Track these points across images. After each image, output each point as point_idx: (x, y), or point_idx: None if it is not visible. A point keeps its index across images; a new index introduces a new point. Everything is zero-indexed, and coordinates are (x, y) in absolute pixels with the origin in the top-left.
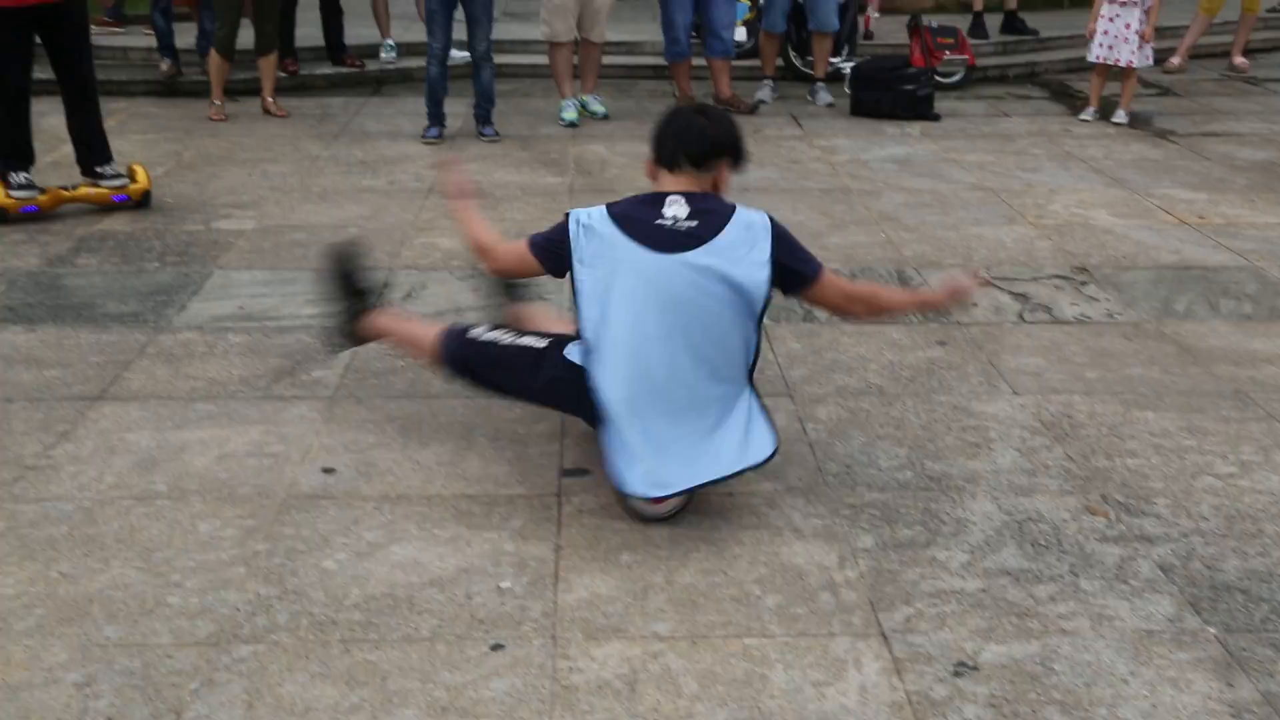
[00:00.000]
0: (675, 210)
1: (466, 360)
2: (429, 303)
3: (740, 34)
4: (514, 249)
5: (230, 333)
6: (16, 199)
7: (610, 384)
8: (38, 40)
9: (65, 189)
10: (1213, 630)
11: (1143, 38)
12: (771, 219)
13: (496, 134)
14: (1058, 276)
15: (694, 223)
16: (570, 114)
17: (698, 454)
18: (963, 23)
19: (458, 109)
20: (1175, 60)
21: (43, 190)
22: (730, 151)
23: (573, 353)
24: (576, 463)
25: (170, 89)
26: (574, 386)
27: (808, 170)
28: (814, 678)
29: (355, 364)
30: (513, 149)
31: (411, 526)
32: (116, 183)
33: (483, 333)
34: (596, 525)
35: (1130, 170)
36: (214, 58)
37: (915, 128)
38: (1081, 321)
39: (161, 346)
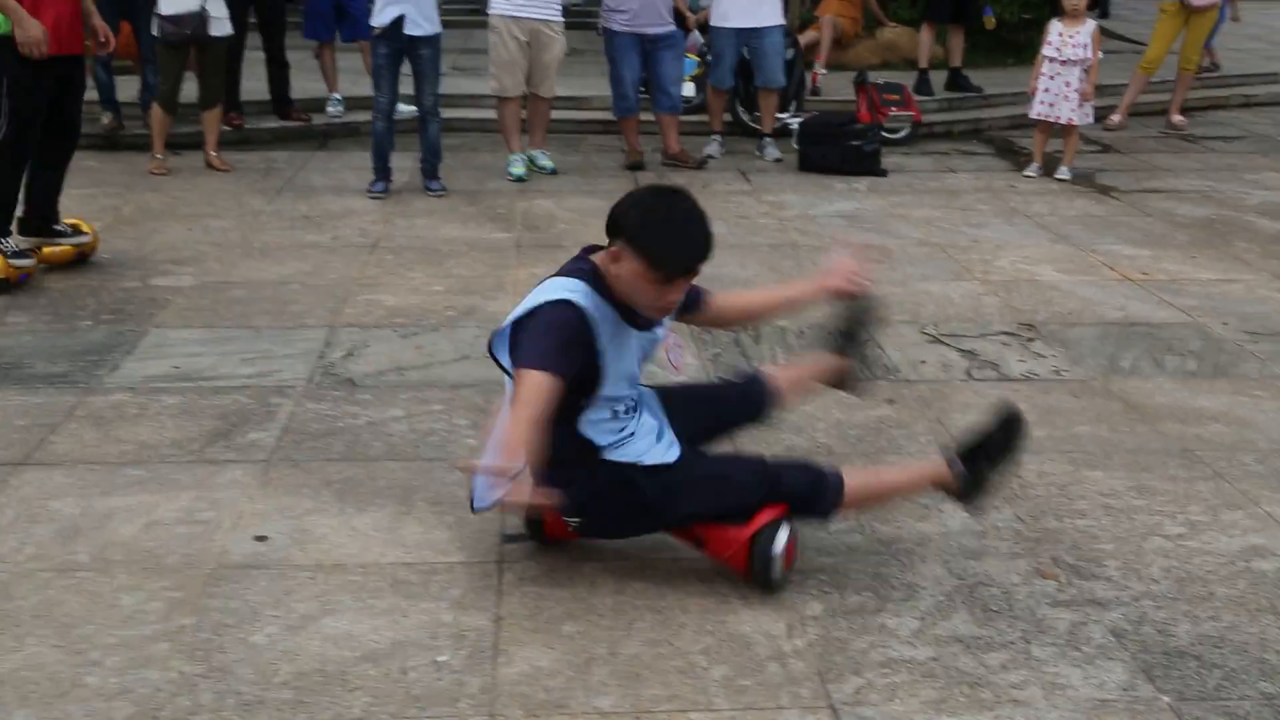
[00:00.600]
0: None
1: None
2: (370, 362)
3: (689, 89)
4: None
5: (164, 393)
6: (16, 267)
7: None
8: None
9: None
10: (1166, 699)
11: (1083, 96)
12: None
13: (443, 189)
14: (1005, 333)
15: None
16: (518, 169)
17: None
18: (908, 79)
19: (404, 163)
20: (1116, 118)
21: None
22: None
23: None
24: (518, 527)
25: (111, 143)
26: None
27: (756, 226)
28: None
29: (293, 425)
30: (460, 204)
31: (346, 597)
32: (77, 240)
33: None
34: (538, 594)
35: (1075, 226)
36: (156, 111)
37: (863, 183)
38: (1029, 379)
39: (91, 408)
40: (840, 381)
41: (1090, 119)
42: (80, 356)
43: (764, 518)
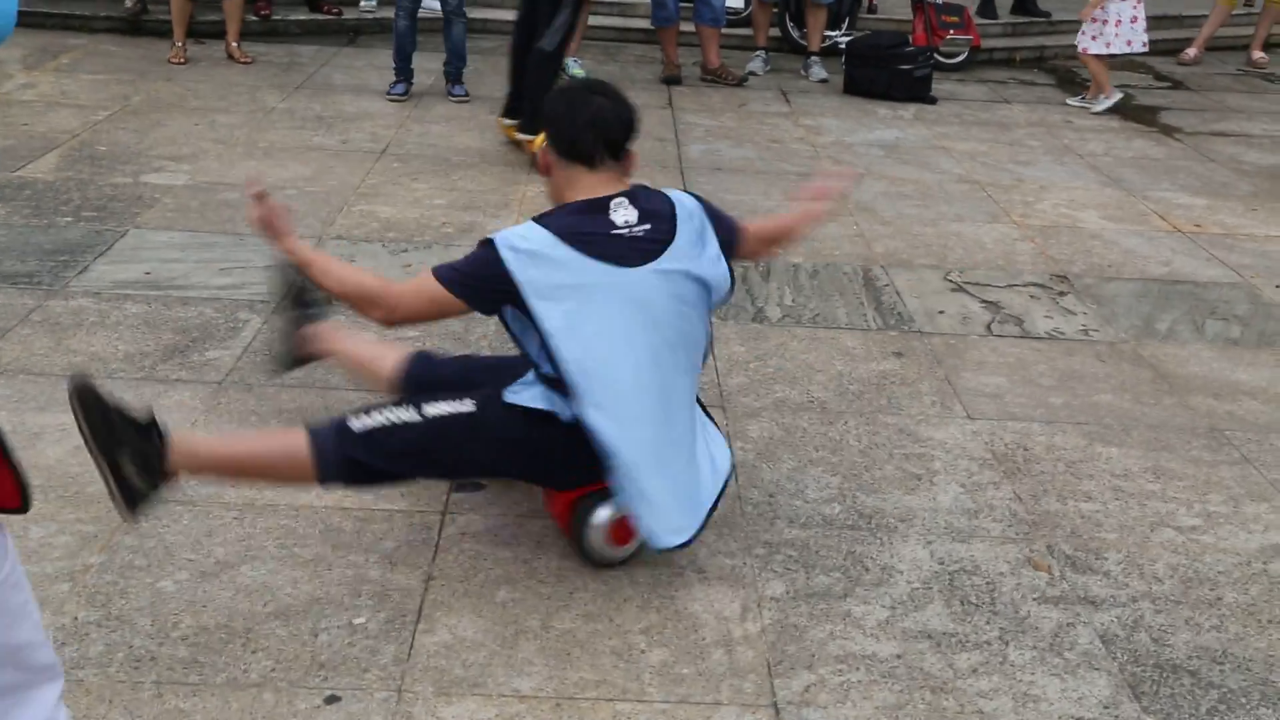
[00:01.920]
0: (625, 215)
1: (360, 465)
2: None
3: (735, 1)
4: (418, 290)
5: (128, 301)
6: None
7: (621, 433)
8: None
9: None
10: None
11: (1080, 15)
12: (698, 199)
13: (466, 94)
14: (1035, 284)
15: (647, 225)
16: None
17: (695, 479)
18: (971, 1)
19: (431, 64)
20: (1191, 52)
21: None
22: (637, 131)
23: (521, 396)
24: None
25: (134, 27)
26: (548, 441)
27: (788, 151)
28: None
29: (256, 344)
30: (481, 111)
31: (270, 543)
32: None
33: (371, 421)
34: (477, 553)
35: (1129, 169)
36: None
37: (909, 110)
38: (1053, 337)
39: (49, 313)
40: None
41: (1093, 48)
42: (51, 256)
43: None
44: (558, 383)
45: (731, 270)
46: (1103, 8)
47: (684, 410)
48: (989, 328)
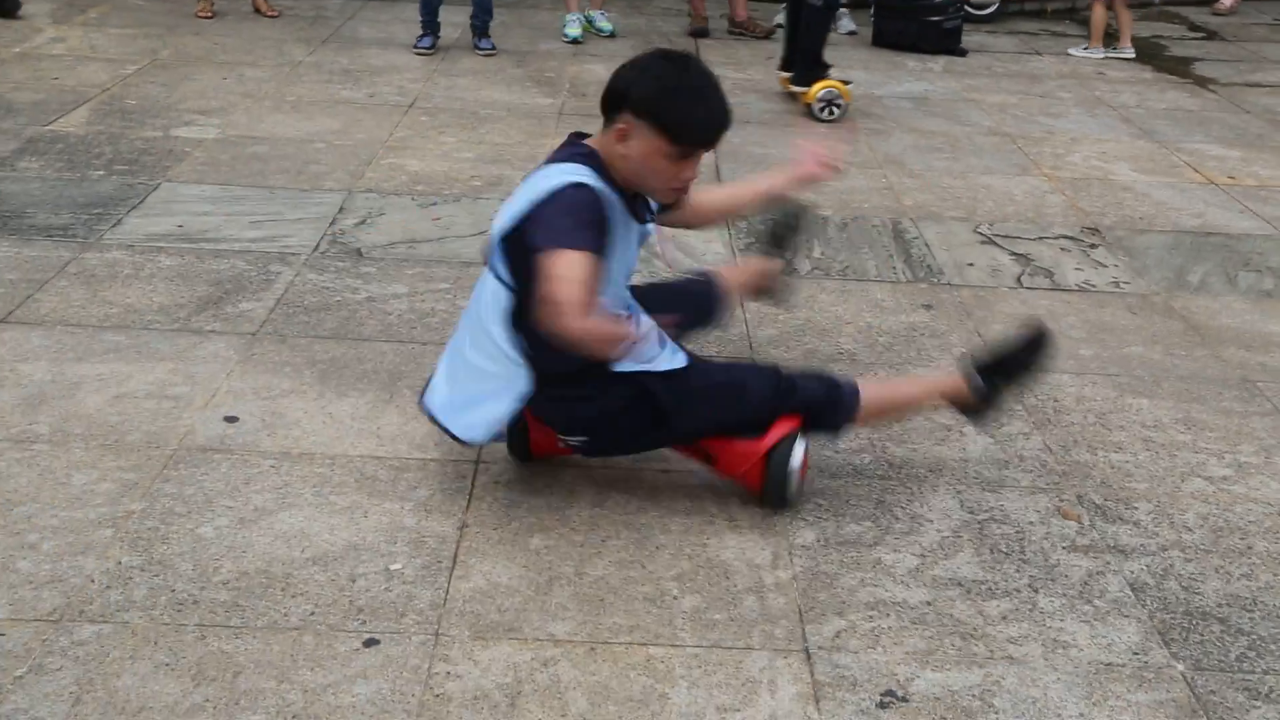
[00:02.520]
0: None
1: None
2: (384, 231)
3: None
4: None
5: (162, 254)
6: None
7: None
8: None
9: None
10: (1180, 667)
11: None
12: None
13: (493, 47)
14: (1065, 237)
15: None
16: (574, 30)
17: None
18: None
19: (457, 18)
20: (1228, 1)
21: None
22: None
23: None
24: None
25: None
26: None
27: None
28: (720, 701)
29: (288, 296)
30: (507, 65)
31: (307, 491)
32: None
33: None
34: (510, 501)
35: (1162, 121)
36: None
37: (938, 63)
38: (1084, 290)
39: (84, 265)
40: (764, 288)
41: None
42: (85, 209)
43: (779, 430)
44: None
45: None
46: None
47: None
48: (1019, 280)
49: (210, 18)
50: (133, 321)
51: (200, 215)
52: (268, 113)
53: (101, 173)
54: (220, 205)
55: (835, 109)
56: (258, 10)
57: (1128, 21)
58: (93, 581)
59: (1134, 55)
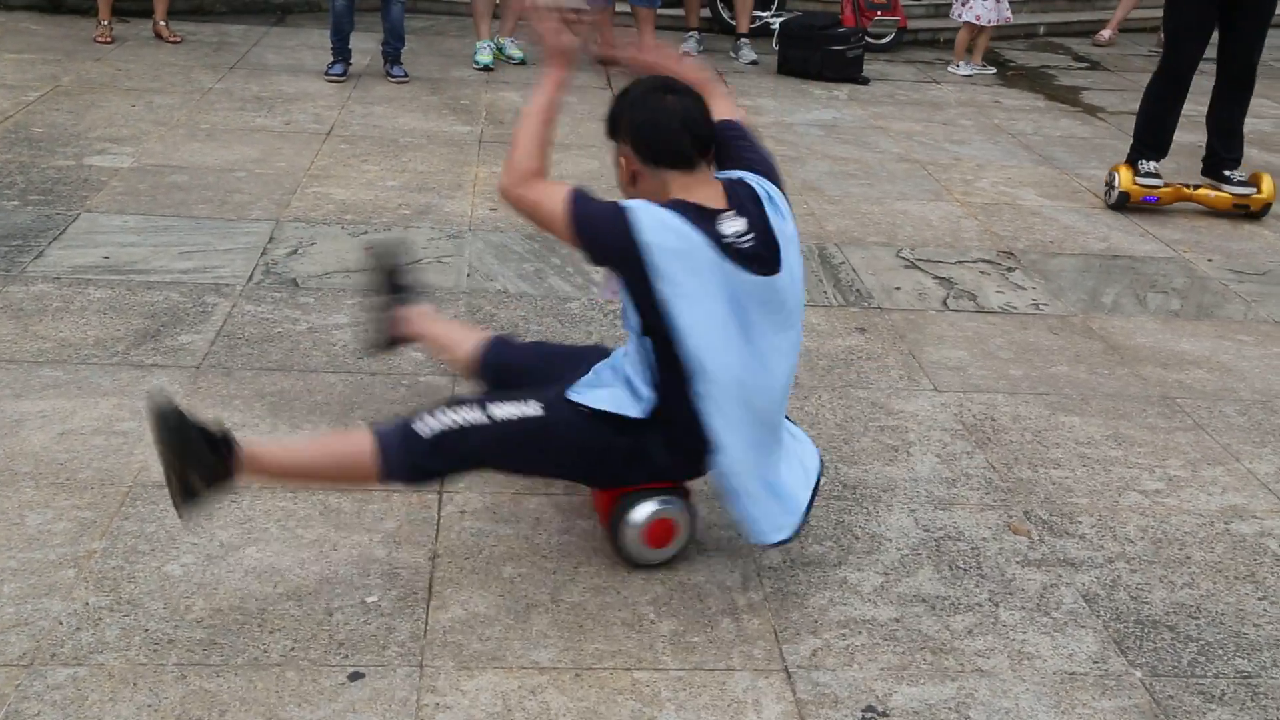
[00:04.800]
0: (734, 226)
1: (429, 470)
2: (317, 261)
3: None
4: (547, 195)
5: (91, 286)
6: (1140, 186)
7: (729, 428)
8: None
9: (1187, 186)
10: (1138, 674)
11: None
12: (760, 176)
13: (405, 75)
14: (984, 260)
15: (751, 235)
16: (485, 57)
17: (791, 477)
18: None
19: (366, 45)
20: (1106, 33)
21: (1165, 184)
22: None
23: (587, 396)
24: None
25: (54, 5)
26: (614, 442)
27: None
28: None
29: (228, 328)
30: (421, 92)
31: (272, 525)
32: (1242, 190)
33: (438, 424)
34: (479, 530)
35: (1059, 147)
36: None
37: (843, 90)
38: (1007, 311)
39: (10, 300)
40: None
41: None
42: (3, 241)
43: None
44: (663, 365)
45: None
46: None
47: (786, 398)
48: (945, 303)
49: (109, 43)
50: (69, 356)
51: (126, 246)
52: (183, 141)
53: (16, 203)
54: (146, 236)
55: None
56: (159, 36)
57: (983, 45)
58: (61, 624)
59: (994, 71)
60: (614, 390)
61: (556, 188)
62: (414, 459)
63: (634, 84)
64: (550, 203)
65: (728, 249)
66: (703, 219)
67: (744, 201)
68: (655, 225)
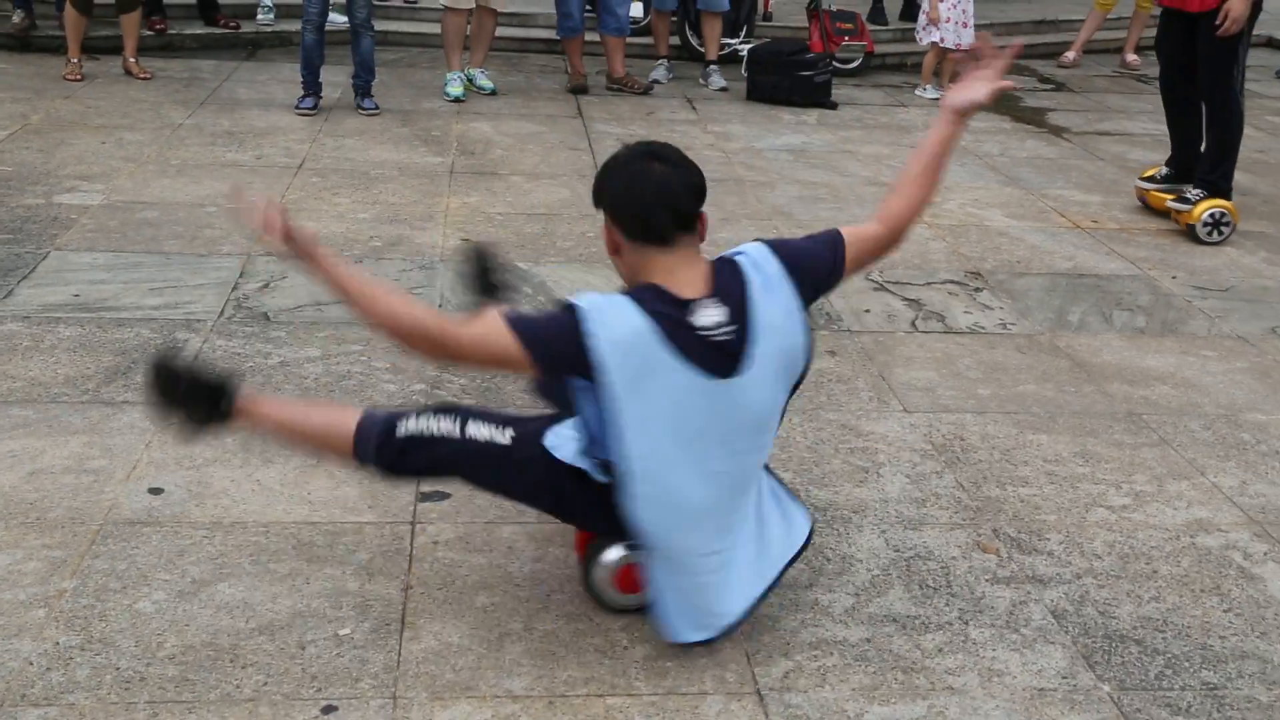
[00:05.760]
0: (713, 317)
1: (396, 468)
2: (289, 295)
3: (636, 10)
4: (484, 340)
5: (61, 324)
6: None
7: (667, 537)
8: None
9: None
10: (1106, 688)
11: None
12: (764, 244)
13: (377, 107)
14: (951, 281)
15: (732, 327)
16: (455, 89)
17: (745, 570)
18: (863, 7)
19: (337, 78)
20: (1070, 55)
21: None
22: (705, 193)
23: (562, 449)
24: (435, 484)
25: (23, 44)
26: (576, 494)
27: (700, 158)
28: None
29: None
30: (392, 124)
31: (244, 560)
32: (1179, 205)
33: (414, 427)
34: (452, 561)
35: (1025, 169)
36: (70, 12)
37: (812, 115)
38: (975, 332)
39: None
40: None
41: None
42: None
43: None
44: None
45: (807, 321)
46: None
47: (745, 496)
48: (914, 324)
49: (79, 80)
50: (39, 395)
51: (96, 284)
52: (153, 177)
53: None
54: (116, 273)
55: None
56: (129, 72)
57: (949, 69)
58: (31, 664)
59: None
60: (585, 447)
61: (486, 319)
62: (383, 454)
63: (622, 149)
64: (495, 334)
65: (690, 347)
66: (671, 310)
67: (729, 286)
68: (607, 322)
